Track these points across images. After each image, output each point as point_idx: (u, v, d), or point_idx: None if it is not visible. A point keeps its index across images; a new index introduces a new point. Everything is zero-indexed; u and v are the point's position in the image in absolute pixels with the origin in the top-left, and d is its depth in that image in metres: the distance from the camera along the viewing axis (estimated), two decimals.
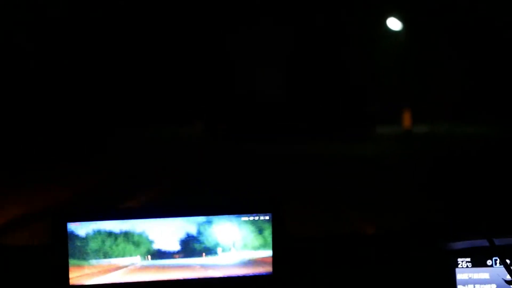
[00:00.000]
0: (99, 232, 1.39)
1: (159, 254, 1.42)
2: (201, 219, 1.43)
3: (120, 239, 1.40)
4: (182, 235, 1.43)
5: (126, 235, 1.40)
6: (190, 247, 1.43)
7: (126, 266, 1.41)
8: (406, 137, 9.17)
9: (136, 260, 1.41)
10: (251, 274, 1.46)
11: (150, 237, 1.41)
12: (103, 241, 1.39)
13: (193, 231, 1.43)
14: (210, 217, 1.43)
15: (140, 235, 1.41)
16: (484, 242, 1.48)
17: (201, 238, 1.43)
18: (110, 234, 1.39)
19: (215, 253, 1.44)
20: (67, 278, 1.38)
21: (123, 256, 1.41)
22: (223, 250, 1.45)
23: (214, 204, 1.46)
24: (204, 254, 1.44)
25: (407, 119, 9.25)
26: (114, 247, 1.40)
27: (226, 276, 1.45)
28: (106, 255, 1.40)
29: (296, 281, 1.51)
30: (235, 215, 1.44)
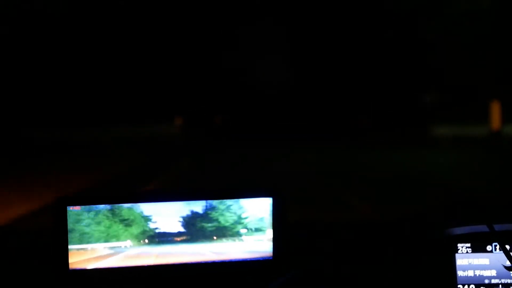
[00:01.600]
0: (99, 216, 1.39)
1: (159, 238, 1.42)
2: (201, 203, 1.43)
3: (121, 223, 1.40)
4: (182, 219, 1.43)
5: (127, 219, 1.40)
6: (191, 231, 1.43)
7: (126, 250, 1.41)
8: (494, 140, 5.55)
9: (137, 244, 1.42)
10: (251, 258, 1.46)
11: (151, 221, 1.42)
12: (103, 225, 1.39)
13: (193, 215, 1.43)
14: (211, 201, 1.43)
15: (141, 219, 1.41)
16: (484, 228, 1.49)
17: (201, 222, 1.43)
18: (111, 218, 1.40)
19: (215, 237, 1.44)
20: (67, 262, 1.38)
21: (124, 240, 1.41)
22: (223, 235, 1.45)
23: (215, 189, 1.46)
24: (205, 238, 1.44)
25: (495, 117, 5.88)
26: (115, 231, 1.40)
27: (225, 260, 1.45)
28: (106, 239, 1.40)
29: (296, 266, 1.52)
30: (235, 199, 1.44)
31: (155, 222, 1.42)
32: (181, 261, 1.43)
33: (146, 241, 1.42)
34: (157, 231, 1.42)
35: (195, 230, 1.44)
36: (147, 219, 1.41)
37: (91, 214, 1.38)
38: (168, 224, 1.42)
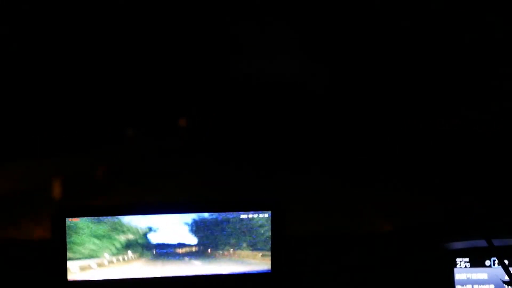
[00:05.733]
0: (98, 228, 1.39)
1: (158, 250, 1.42)
2: (201, 215, 1.43)
3: (119, 235, 1.40)
4: (181, 231, 1.43)
5: (126, 230, 1.40)
6: (189, 243, 1.43)
7: (125, 262, 1.41)
8: None
9: (136, 256, 1.41)
10: (249, 271, 1.46)
11: (149, 233, 1.42)
12: (102, 236, 1.39)
13: (192, 228, 1.43)
14: (209, 214, 1.43)
15: (139, 231, 1.41)
16: (482, 243, 1.49)
17: (199, 235, 1.43)
18: (109, 229, 1.40)
19: (214, 249, 1.44)
20: (66, 273, 1.38)
21: (122, 251, 1.41)
22: (222, 247, 1.45)
23: (214, 201, 1.46)
24: (203, 251, 1.44)
25: None
26: (113, 242, 1.40)
27: (224, 273, 1.45)
28: (105, 251, 1.40)
29: (295, 279, 1.51)
30: (234, 212, 1.44)
31: (154, 234, 1.42)
32: (180, 274, 1.43)
33: (146, 253, 1.42)
34: (156, 243, 1.42)
35: (194, 242, 1.43)
36: (146, 231, 1.41)
37: (90, 225, 1.38)
38: (167, 237, 1.42)
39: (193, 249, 1.44)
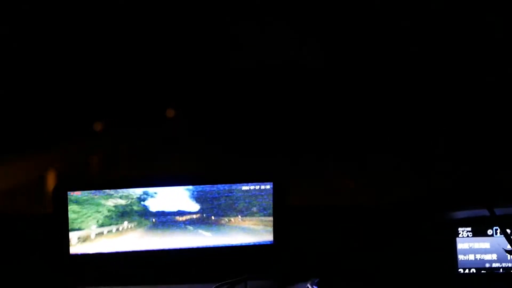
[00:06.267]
0: (100, 200, 1.38)
1: (160, 222, 1.42)
2: (203, 187, 1.43)
3: (122, 207, 1.40)
4: (184, 203, 1.43)
5: (128, 202, 1.40)
6: (192, 215, 1.43)
7: (128, 234, 1.41)
8: None
9: (139, 228, 1.41)
10: (252, 243, 1.46)
11: (152, 205, 1.41)
12: (105, 209, 1.39)
13: (194, 200, 1.43)
14: (211, 186, 1.43)
15: (142, 203, 1.41)
16: (484, 212, 1.48)
17: (202, 207, 1.43)
18: (112, 202, 1.39)
19: (216, 221, 1.44)
20: (68, 247, 1.38)
21: (125, 224, 1.41)
22: (224, 219, 1.45)
23: (215, 173, 1.46)
24: (206, 223, 1.44)
25: None
26: (116, 215, 1.40)
27: (226, 245, 1.45)
28: (107, 223, 1.40)
29: (297, 250, 1.52)
30: (236, 184, 1.44)
31: (156, 205, 1.42)
32: (183, 246, 1.44)
33: (148, 225, 1.42)
34: (158, 215, 1.42)
35: (196, 214, 1.43)
36: (148, 203, 1.41)
37: (92, 198, 1.38)
38: (170, 209, 1.42)
39: (195, 220, 1.44)
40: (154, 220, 1.42)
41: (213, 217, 1.44)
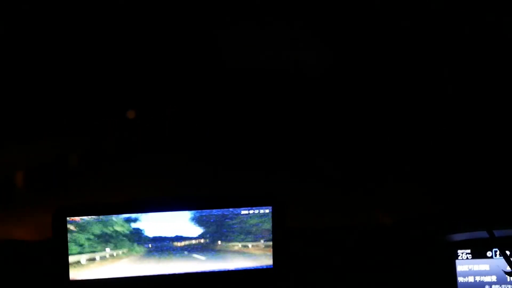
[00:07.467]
0: (100, 227, 1.39)
1: (159, 248, 1.42)
2: (201, 212, 1.43)
3: (121, 233, 1.40)
4: (182, 228, 1.43)
5: (128, 228, 1.40)
6: (190, 240, 1.43)
7: (127, 260, 1.41)
8: None
9: (138, 253, 1.41)
10: (251, 267, 1.46)
11: (151, 230, 1.42)
12: (104, 235, 1.39)
13: (193, 224, 1.43)
14: (210, 210, 1.43)
15: (141, 228, 1.41)
16: (484, 234, 1.49)
17: (201, 231, 1.43)
18: (111, 228, 1.39)
19: (215, 246, 1.44)
20: (67, 273, 1.38)
21: (124, 249, 1.41)
22: (223, 244, 1.45)
23: (214, 197, 1.46)
24: (204, 247, 1.44)
25: None
26: (115, 241, 1.40)
27: (225, 269, 1.45)
28: (107, 249, 1.40)
29: (297, 274, 1.52)
30: (235, 208, 1.44)
31: (152, 231, 1.42)
32: (182, 271, 1.43)
33: (147, 250, 1.42)
34: (157, 240, 1.42)
35: (195, 239, 1.43)
36: (147, 228, 1.41)
37: (92, 224, 1.38)
38: (169, 233, 1.42)
39: (194, 245, 1.44)
40: (150, 245, 1.42)
41: (210, 242, 1.44)
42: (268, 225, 1.45)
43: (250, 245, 1.46)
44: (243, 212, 1.44)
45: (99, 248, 1.39)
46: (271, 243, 1.46)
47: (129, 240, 1.41)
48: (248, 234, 1.45)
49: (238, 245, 1.45)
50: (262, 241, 1.46)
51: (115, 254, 1.41)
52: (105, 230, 1.39)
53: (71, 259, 1.38)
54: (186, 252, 1.44)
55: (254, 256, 1.46)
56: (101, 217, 1.38)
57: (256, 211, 1.45)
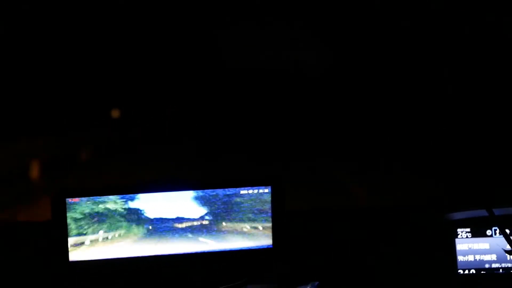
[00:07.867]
0: (99, 207, 1.38)
1: (159, 228, 1.42)
2: (202, 192, 1.43)
3: (120, 213, 1.40)
4: (182, 208, 1.43)
5: (127, 209, 1.40)
6: (190, 220, 1.43)
7: (126, 240, 1.41)
8: None
9: (138, 234, 1.41)
10: (250, 247, 1.46)
11: (150, 211, 1.41)
12: (103, 216, 1.39)
13: (192, 205, 1.43)
14: (211, 190, 1.43)
15: (140, 208, 1.41)
16: (483, 212, 1.49)
17: (200, 211, 1.43)
18: (110, 208, 1.39)
19: (215, 226, 1.44)
20: (67, 254, 1.38)
21: (123, 230, 1.41)
22: (223, 224, 1.45)
23: (213, 178, 1.46)
24: (204, 227, 1.44)
25: None
26: (114, 221, 1.40)
27: (225, 249, 1.45)
28: (106, 230, 1.40)
29: (296, 254, 1.52)
30: (234, 188, 1.44)
31: (154, 212, 1.41)
32: (181, 251, 1.43)
33: (146, 231, 1.42)
34: (156, 221, 1.42)
35: (195, 219, 1.43)
36: (146, 208, 1.41)
37: (90, 205, 1.38)
38: (168, 214, 1.42)
39: (193, 226, 1.44)
40: (151, 226, 1.42)
41: (212, 222, 1.44)
42: (267, 205, 1.45)
43: (249, 225, 1.46)
44: (243, 191, 1.44)
45: (98, 228, 1.39)
46: (270, 224, 1.46)
47: (129, 220, 1.41)
48: (248, 214, 1.45)
49: (238, 225, 1.45)
50: (261, 221, 1.46)
51: (116, 235, 1.41)
52: (103, 210, 1.39)
53: (71, 240, 1.38)
54: (188, 233, 1.44)
55: (254, 236, 1.46)
56: (102, 198, 1.38)
57: (256, 191, 1.45)
